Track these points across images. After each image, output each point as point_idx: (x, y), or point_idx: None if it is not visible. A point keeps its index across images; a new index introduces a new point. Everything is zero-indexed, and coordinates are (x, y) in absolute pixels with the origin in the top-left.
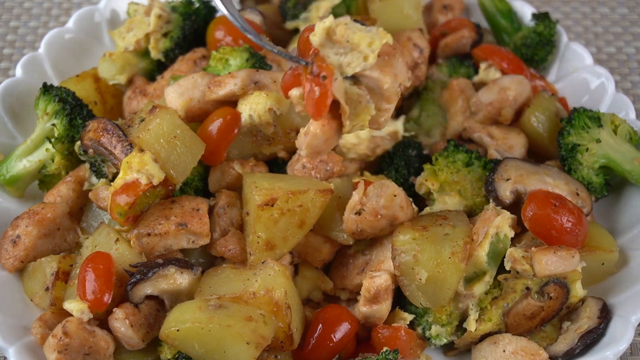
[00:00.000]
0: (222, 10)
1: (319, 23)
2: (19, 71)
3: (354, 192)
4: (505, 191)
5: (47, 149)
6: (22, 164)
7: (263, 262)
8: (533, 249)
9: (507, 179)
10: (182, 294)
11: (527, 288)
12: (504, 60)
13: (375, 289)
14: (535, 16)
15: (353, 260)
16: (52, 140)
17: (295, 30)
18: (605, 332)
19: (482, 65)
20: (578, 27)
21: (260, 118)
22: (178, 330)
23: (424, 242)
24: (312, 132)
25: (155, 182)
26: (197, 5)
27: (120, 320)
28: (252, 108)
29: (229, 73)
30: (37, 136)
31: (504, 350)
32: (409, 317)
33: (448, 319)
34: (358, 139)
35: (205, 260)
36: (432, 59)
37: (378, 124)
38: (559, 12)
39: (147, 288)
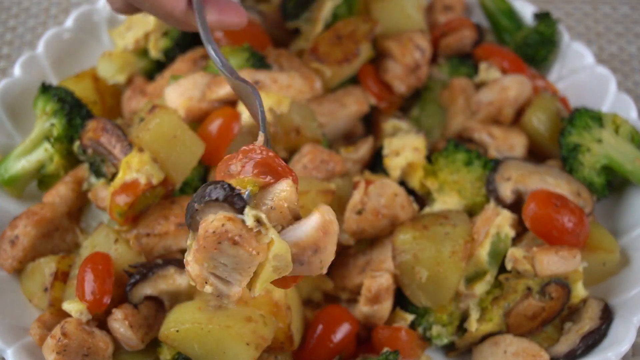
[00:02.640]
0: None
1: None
2: (17, 71)
3: (354, 192)
4: (506, 191)
5: (46, 149)
6: (21, 163)
7: None
8: (534, 248)
9: (508, 179)
10: (182, 295)
11: (529, 288)
12: (504, 59)
13: (376, 288)
14: (536, 15)
15: (354, 260)
16: (51, 140)
17: (296, 30)
18: (607, 333)
19: (483, 65)
20: (580, 27)
21: None
22: (177, 331)
23: (425, 241)
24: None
25: (155, 182)
26: None
27: (120, 321)
28: None
29: None
30: (35, 136)
31: (505, 351)
32: (409, 317)
33: (449, 318)
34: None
35: None
36: (432, 59)
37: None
38: (560, 11)
39: (147, 288)
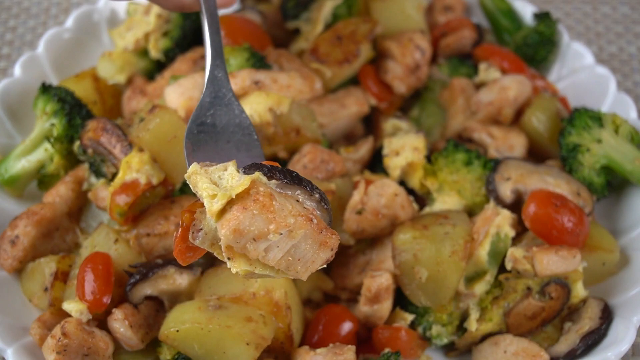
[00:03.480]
0: None
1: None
2: (17, 71)
3: (354, 192)
4: (506, 191)
5: (46, 149)
6: (21, 163)
7: None
8: (534, 248)
9: (508, 179)
10: (182, 295)
11: (528, 288)
12: (504, 60)
13: (376, 288)
14: (536, 15)
15: (354, 260)
16: (51, 140)
17: (296, 30)
18: (607, 332)
19: (483, 65)
20: (579, 27)
21: (260, 118)
22: (177, 331)
23: (425, 241)
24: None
25: (155, 182)
26: None
27: (120, 321)
28: (253, 108)
29: (229, 73)
30: (36, 136)
31: (505, 351)
32: (409, 317)
33: (449, 318)
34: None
35: (205, 260)
36: (432, 59)
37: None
38: (560, 11)
39: (147, 288)
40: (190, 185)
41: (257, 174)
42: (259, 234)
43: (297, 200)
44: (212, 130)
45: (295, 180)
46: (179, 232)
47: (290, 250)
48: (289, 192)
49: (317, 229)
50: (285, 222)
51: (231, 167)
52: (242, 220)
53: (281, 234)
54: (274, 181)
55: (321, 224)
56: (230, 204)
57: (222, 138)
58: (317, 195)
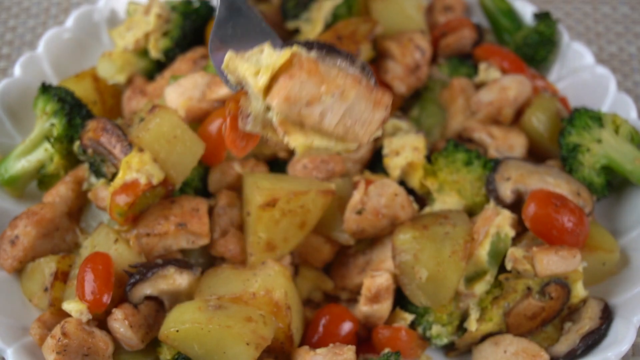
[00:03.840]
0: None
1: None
2: (17, 71)
3: (354, 192)
4: (506, 190)
5: (46, 149)
6: (21, 163)
7: (263, 263)
8: (534, 248)
9: (508, 179)
10: (182, 295)
11: (528, 288)
12: (504, 60)
13: (376, 288)
14: (536, 15)
15: (354, 260)
16: (51, 140)
17: (296, 30)
18: (607, 333)
19: (482, 65)
20: (579, 27)
21: None
22: (177, 331)
23: (425, 241)
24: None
25: (155, 182)
26: (196, 4)
27: (120, 321)
28: None
29: None
30: (36, 136)
31: (505, 351)
32: (409, 317)
33: (449, 318)
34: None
35: (205, 260)
36: (432, 59)
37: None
38: (560, 11)
39: (147, 288)
40: (229, 75)
41: (296, 47)
42: (311, 98)
43: (340, 68)
44: (234, 40)
45: (334, 50)
46: (227, 123)
47: (346, 114)
48: (330, 62)
49: (367, 89)
50: (336, 83)
51: (267, 47)
52: (292, 87)
53: (333, 96)
54: (313, 52)
55: (369, 84)
56: (274, 78)
57: (247, 45)
58: (358, 63)
